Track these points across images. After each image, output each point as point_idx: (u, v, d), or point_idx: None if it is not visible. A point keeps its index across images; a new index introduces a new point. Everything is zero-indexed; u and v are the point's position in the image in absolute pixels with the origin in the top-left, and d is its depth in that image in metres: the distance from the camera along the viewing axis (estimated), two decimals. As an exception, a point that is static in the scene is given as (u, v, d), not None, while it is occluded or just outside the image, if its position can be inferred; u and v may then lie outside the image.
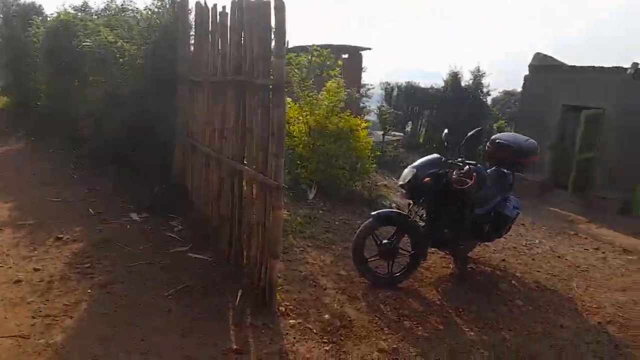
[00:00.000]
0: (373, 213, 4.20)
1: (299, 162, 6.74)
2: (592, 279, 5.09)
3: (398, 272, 4.22)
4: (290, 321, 3.38)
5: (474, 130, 4.25)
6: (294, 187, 6.44)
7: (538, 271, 5.10)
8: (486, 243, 5.23)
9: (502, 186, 4.75)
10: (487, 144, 4.95)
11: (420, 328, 3.56)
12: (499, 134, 5.23)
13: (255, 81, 3.59)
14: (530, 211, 9.93)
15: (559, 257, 5.78)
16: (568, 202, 11.92)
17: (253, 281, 3.69)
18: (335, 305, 3.72)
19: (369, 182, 7.51)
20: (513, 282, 4.70)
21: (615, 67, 11.78)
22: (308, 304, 3.69)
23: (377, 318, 3.61)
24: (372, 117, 14.16)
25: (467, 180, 4.16)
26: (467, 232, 4.59)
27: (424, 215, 4.32)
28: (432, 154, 4.43)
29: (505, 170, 4.83)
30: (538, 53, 13.36)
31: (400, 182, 4.23)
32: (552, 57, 13.57)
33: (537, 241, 6.49)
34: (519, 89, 14.35)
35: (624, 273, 5.45)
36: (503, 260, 5.30)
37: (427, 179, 4.05)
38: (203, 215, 4.89)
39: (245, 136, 3.88)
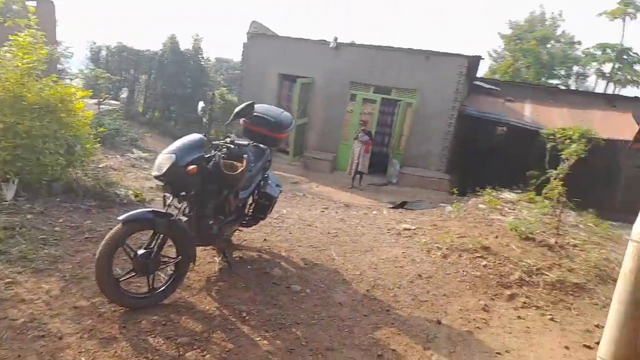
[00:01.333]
0: (121, 217, 3.14)
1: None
2: (343, 243, 5.33)
3: (162, 286, 3.35)
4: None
5: (243, 104, 3.62)
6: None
7: (300, 245, 5.02)
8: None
9: (262, 164, 4.36)
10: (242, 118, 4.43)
11: (207, 356, 2.85)
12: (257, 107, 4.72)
13: None
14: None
15: (309, 225, 5.90)
16: (290, 165, 12.86)
17: None
18: None
19: (93, 167, 6.02)
20: (283, 263, 4.44)
21: (321, 40, 12.96)
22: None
23: (150, 360, 2.71)
24: (76, 83, 11.85)
25: (238, 164, 3.56)
26: (233, 221, 4.06)
27: (187, 210, 3.52)
28: (191, 134, 3.61)
29: (263, 147, 4.44)
30: (254, 21, 13.55)
31: (155, 173, 3.29)
32: (266, 27, 13.99)
33: (284, 211, 6.51)
34: (233, 58, 14.53)
35: (363, 232, 5.94)
36: (265, 239, 5.02)
37: (192, 166, 3.25)
38: None
39: None
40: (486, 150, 13.98)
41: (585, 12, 50.40)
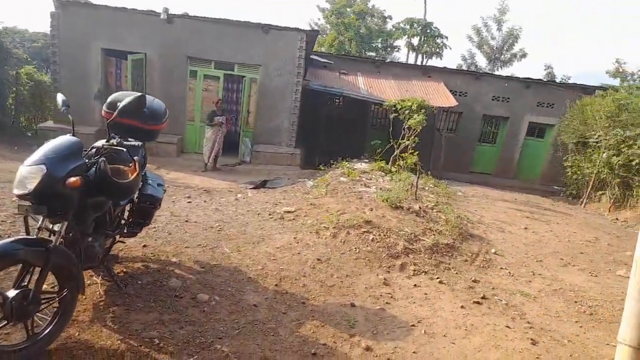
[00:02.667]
0: (-24, 254, 2.36)
1: None
2: (232, 236, 5.00)
3: (45, 329, 2.66)
4: None
5: (130, 99, 2.94)
6: None
7: (187, 247, 4.53)
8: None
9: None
10: (104, 108, 3.69)
11: (135, 405, 2.37)
12: (116, 95, 3.92)
13: None
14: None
15: (186, 221, 5.38)
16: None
17: None
18: None
19: None
20: (177, 271, 3.95)
21: (150, 10, 11.74)
22: None
23: None
24: None
25: (125, 169, 2.96)
26: (113, 232, 3.44)
27: (64, 231, 2.82)
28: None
29: (136, 143, 3.78)
30: (62, -15, 11.49)
31: (19, 191, 2.52)
32: (77, -7, 12.02)
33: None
34: (28, 28, 12.26)
35: (246, 221, 5.66)
36: (144, 245, 4.39)
37: (73, 178, 2.58)
38: None
39: None
40: (326, 122, 14.59)
41: None
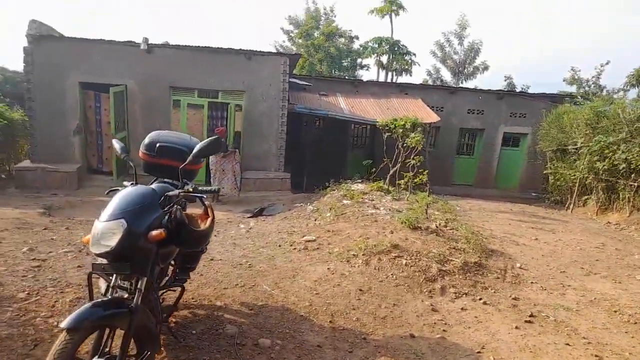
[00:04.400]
0: (65, 323, 2.16)
1: None
2: (264, 272, 4.84)
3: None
4: None
5: (207, 141, 2.79)
6: None
7: (225, 288, 4.35)
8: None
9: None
10: (142, 150, 3.50)
11: None
12: (153, 135, 3.71)
13: None
14: (81, 209, 8.74)
15: (212, 259, 5.18)
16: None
17: None
18: None
19: None
20: (227, 316, 3.77)
21: (129, 41, 11.50)
22: None
23: None
24: None
25: (195, 215, 2.82)
26: (172, 284, 3.30)
27: (133, 287, 2.64)
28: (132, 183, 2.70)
29: (174, 184, 3.58)
30: (33, 20, 11.12)
31: (97, 250, 2.35)
32: (49, 26, 11.66)
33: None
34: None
35: (271, 255, 5.51)
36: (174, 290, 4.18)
37: (156, 231, 2.43)
38: None
39: None
40: (309, 144, 14.57)
41: (355, 8, 56.82)
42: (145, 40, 11.49)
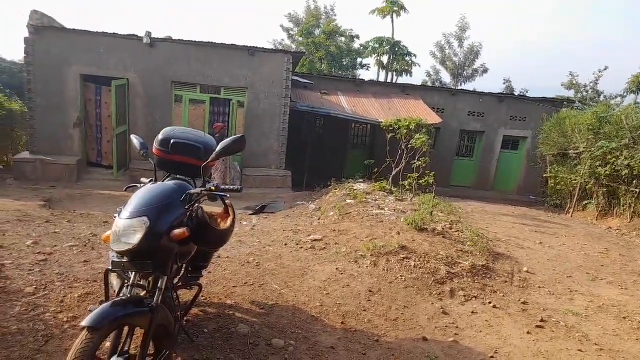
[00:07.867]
0: (85, 321, 2.10)
1: None
2: (273, 271, 4.79)
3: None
4: None
5: (231, 139, 2.72)
6: None
7: (234, 286, 4.30)
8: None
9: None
10: (156, 146, 3.42)
11: None
12: (168, 131, 3.62)
13: None
14: (81, 202, 8.63)
15: (218, 256, 5.12)
16: (115, 181, 11.09)
17: None
18: None
19: None
20: (238, 314, 3.72)
21: (132, 35, 11.39)
22: None
23: None
24: None
25: (214, 214, 2.77)
26: (188, 283, 3.26)
27: (151, 285, 2.59)
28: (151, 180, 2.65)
29: (186, 181, 3.49)
30: (35, 11, 10.98)
31: (119, 247, 2.29)
32: (51, 17, 11.53)
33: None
34: None
35: (278, 253, 5.46)
36: (191, 288, 4.11)
37: (180, 230, 2.38)
38: None
39: None
40: (310, 143, 14.53)
41: (356, 8, 56.91)
42: (148, 34, 11.39)
